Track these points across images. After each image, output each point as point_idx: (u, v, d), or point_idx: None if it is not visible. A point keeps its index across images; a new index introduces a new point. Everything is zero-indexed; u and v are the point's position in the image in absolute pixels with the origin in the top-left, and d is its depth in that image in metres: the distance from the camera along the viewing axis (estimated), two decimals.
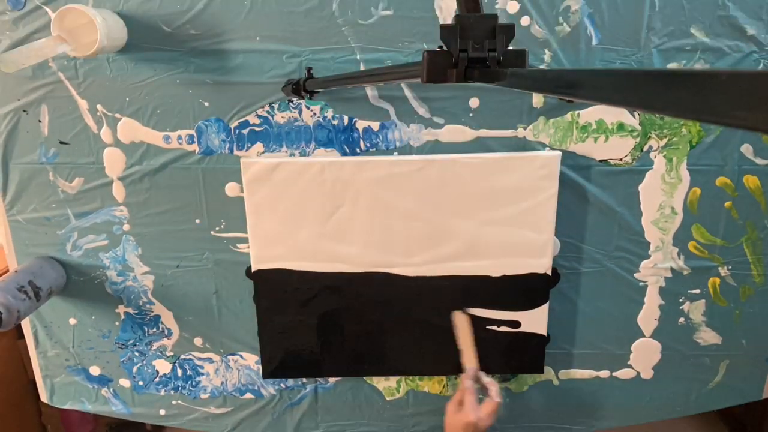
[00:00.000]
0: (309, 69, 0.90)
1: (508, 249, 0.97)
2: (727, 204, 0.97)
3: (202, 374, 1.10)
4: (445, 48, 0.45)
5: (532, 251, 0.97)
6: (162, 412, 1.13)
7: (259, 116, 0.94)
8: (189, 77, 0.92)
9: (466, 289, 0.99)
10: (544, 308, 1.01)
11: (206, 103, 0.94)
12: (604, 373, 1.09)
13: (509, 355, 1.04)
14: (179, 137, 0.95)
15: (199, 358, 1.09)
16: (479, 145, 0.95)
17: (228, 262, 1.02)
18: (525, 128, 0.94)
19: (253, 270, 1.00)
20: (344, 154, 0.96)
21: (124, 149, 0.96)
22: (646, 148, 0.95)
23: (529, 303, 1.01)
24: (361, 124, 0.94)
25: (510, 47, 0.45)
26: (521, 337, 1.03)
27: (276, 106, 0.94)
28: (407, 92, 0.93)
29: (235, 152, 0.96)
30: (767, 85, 0.19)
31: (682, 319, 1.04)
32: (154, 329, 1.07)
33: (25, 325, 1.08)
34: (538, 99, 0.93)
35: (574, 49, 0.90)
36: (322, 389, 1.11)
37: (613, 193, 0.97)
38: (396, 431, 1.14)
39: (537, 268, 0.98)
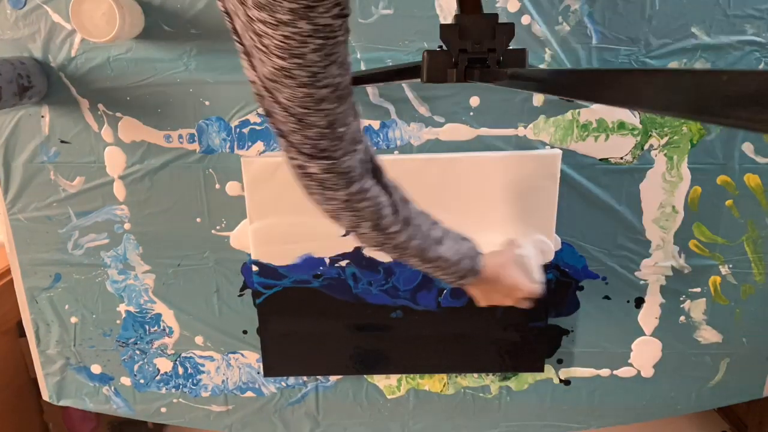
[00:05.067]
0: None
1: None
2: (728, 202, 0.97)
3: (203, 372, 1.10)
4: (444, 48, 0.45)
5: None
6: (163, 410, 1.14)
7: (259, 115, 0.94)
8: (189, 76, 0.92)
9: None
10: (545, 307, 1.01)
11: (207, 102, 0.94)
12: (605, 372, 1.09)
13: (510, 354, 1.04)
14: (180, 136, 0.95)
15: (200, 356, 1.09)
16: (480, 144, 0.95)
17: (229, 260, 1.02)
18: (525, 127, 0.94)
19: (253, 269, 1.00)
20: None
21: (125, 148, 0.96)
22: (646, 147, 0.95)
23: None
24: (361, 123, 0.94)
25: (510, 47, 0.45)
26: (523, 336, 1.03)
27: None
28: (407, 91, 0.93)
29: (236, 151, 0.96)
30: (767, 85, 0.19)
31: (682, 318, 1.04)
32: (155, 327, 1.07)
33: (27, 323, 1.08)
34: (538, 97, 0.93)
35: (574, 48, 0.90)
36: (323, 387, 1.11)
37: (613, 192, 0.97)
38: (397, 429, 1.14)
39: None
